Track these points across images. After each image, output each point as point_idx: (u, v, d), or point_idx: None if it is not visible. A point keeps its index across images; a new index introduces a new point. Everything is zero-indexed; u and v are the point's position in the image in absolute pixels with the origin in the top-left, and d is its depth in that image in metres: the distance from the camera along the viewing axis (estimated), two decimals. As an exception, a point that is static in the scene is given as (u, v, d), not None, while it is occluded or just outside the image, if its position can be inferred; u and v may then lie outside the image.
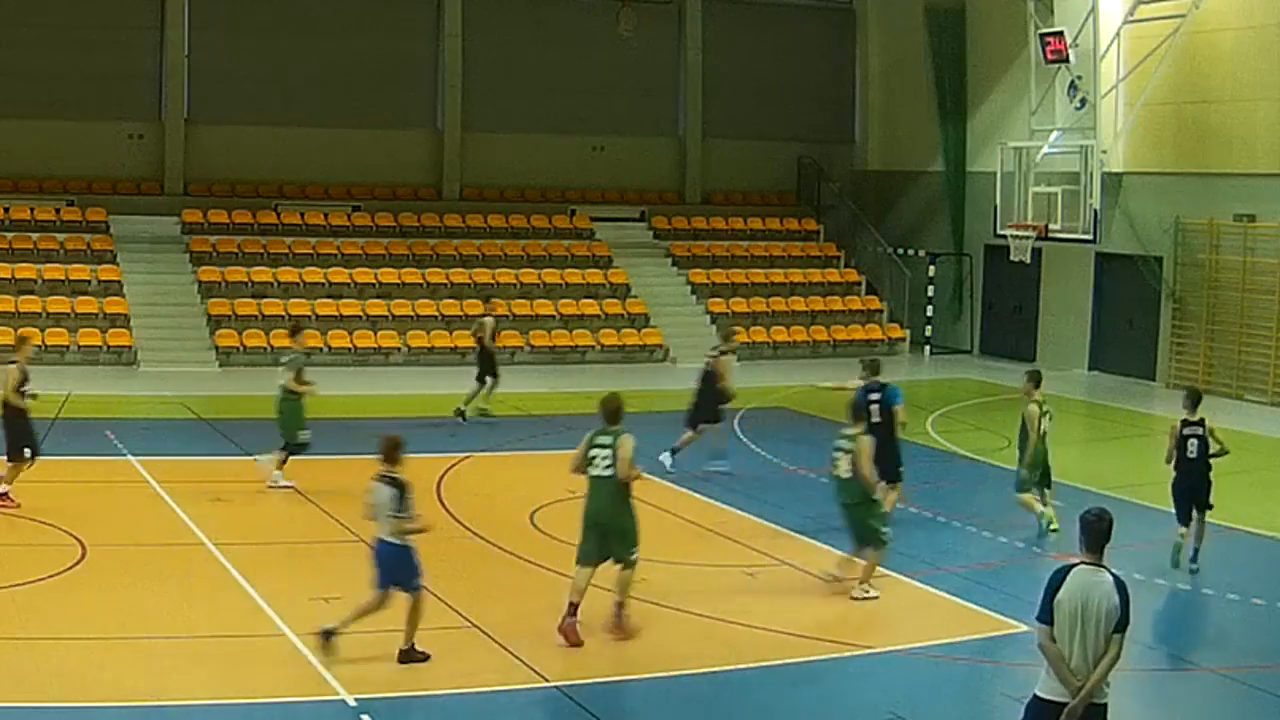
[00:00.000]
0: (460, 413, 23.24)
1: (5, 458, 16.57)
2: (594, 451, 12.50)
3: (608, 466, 12.42)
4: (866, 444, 13.92)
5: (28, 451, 16.43)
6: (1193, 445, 15.17)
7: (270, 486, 17.83)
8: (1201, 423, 15.26)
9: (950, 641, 12.64)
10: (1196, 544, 15.24)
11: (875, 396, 16.14)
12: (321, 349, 29.54)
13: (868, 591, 13.89)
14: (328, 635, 11.60)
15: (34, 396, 16.62)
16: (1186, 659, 12.54)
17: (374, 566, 11.83)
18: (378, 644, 12.25)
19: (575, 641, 12.29)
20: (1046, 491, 16.78)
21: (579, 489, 18.35)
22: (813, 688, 11.79)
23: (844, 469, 13.87)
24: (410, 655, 11.75)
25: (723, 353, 19.90)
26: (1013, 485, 16.81)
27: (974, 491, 17.03)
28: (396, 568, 11.71)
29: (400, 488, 11.62)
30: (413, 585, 11.74)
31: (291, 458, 17.96)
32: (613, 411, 12.64)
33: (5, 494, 16.34)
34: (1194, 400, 15.47)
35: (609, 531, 12.54)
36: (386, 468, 11.80)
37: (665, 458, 19.31)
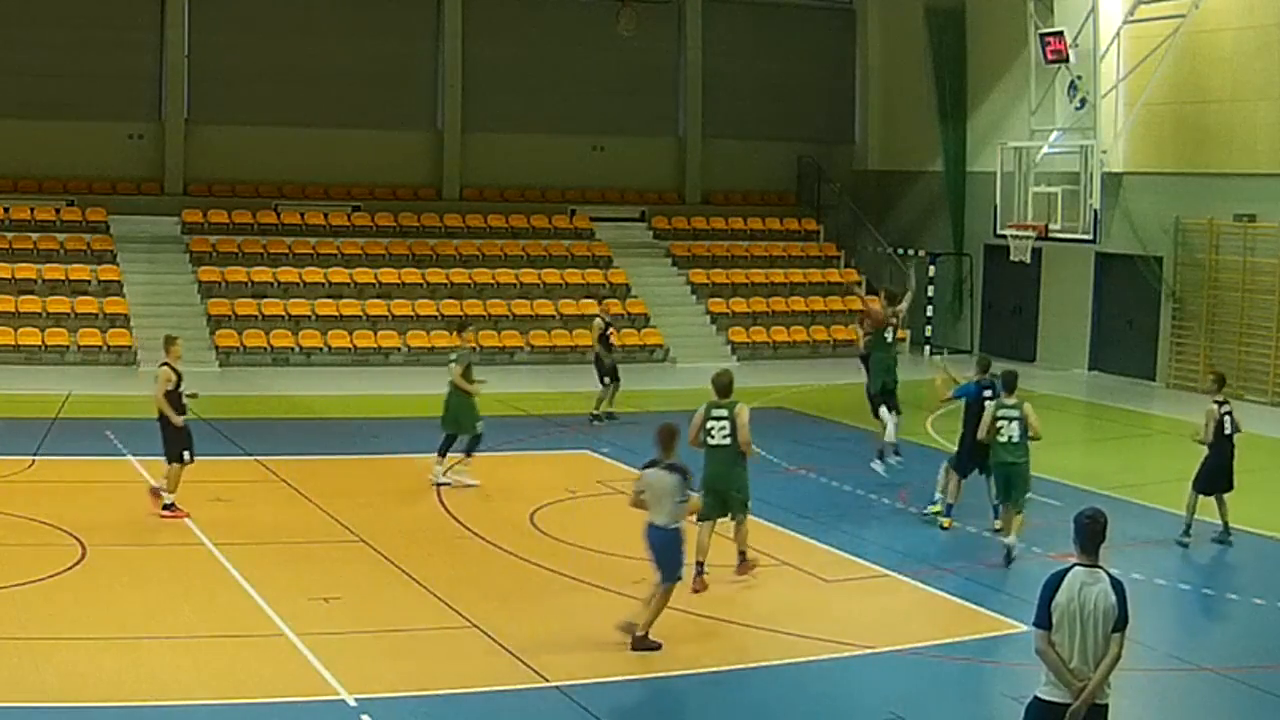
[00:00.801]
0: (595, 417, 23.41)
1: (166, 462, 16.25)
2: (710, 423, 13.79)
3: (725, 436, 13.78)
4: (1031, 408, 15.60)
5: (187, 455, 16.17)
6: (1228, 422, 16.37)
7: (455, 484, 18.22)
8: (1228, 401, 16.51)
9: (950, 641, 12.64)
10: (1226, 520, 16.29)
11: (989, 393, 16.79)
12: (321, 349, 29.62)
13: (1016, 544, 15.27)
14: (638, 638, 12.07)
15: (193, 396, 16.41)
16: (1186, 659, 12.53)
17: (649, 553, 12.31)
18: (378, 644, 12.27)
19: (701, 588, 13.62)
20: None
21: (579, 489, 18.57)
22: (813, 688, 11.79)
23: (1007, 433, 15.39)
24: (643, 643, 12.09)
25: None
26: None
27: (973, 491, 17.02)
28: (666, 553, 12.18)
29: (683, 474, 12.24)
30: (673, 575, 12.20)
31: (452, 454, 18.42)
32: (724, 386, 13.99)
33: (171, 504, 16.08)
34: (1221, 383, 16.76)
35: (726, 493, 13.91)
36: (664, 456, 12.28)
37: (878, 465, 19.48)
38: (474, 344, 20.12)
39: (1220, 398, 16.48)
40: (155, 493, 16.23)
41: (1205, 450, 16.38)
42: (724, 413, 13.83)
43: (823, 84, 37.76)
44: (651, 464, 12.38)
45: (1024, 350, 32.32)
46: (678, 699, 11.47)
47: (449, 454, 18.49)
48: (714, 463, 13.93)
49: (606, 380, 23.85)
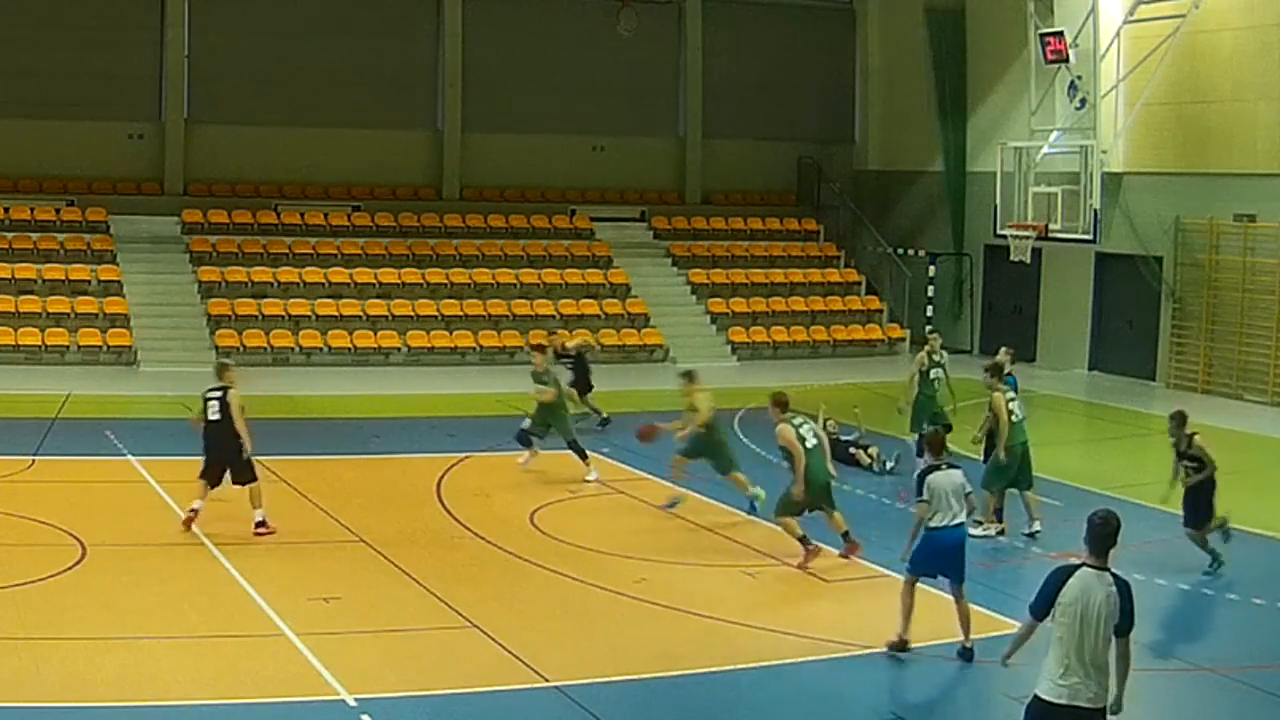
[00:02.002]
0: (604, 420, 23.27)
1: (244, 485, 16.00)
2: (804, 430, 15.38)
3: (816, 439, 15.55)
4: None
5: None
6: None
7: (587, 480, 18.84)
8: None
9: (950, 641, 12.62)
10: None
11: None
12: (321, 349, 29.61)
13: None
14: (898, 648, 12.31)
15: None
16: (1186, 659, 12.54)
17: (942, 559, 12.40)
18: (378, 644, 12.27)
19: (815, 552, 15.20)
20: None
21: (579, 490, 18.57)
22: (813, 688, 11.79)
23: (1019, 413, 16.65)
24: (967, 652, 12.26)
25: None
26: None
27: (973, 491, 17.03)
28: (958, 556, 12.42)
29: (961, 470, 12.68)
30: (961, 575, 12.41)
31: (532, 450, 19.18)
32: (782, 404, 15.67)
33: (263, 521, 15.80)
34: (1183, 421, 15.76)
35: (828, 484, 15.45)
36: (931, 458, 12.67)
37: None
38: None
39: (1189, 430, 15.55)
40: (262, 524, 15.85)
41: (1183, 482, 15.53)
42: (805, 421, 15.53)
43: (823, 84, 37.75)
44: (931, 469, 12.48)
45: (1024, 350, 32.23)
46: (678, 699, 11.46)
47: (586, 453, 19.14)
48: (816, 464, 15.27)
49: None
